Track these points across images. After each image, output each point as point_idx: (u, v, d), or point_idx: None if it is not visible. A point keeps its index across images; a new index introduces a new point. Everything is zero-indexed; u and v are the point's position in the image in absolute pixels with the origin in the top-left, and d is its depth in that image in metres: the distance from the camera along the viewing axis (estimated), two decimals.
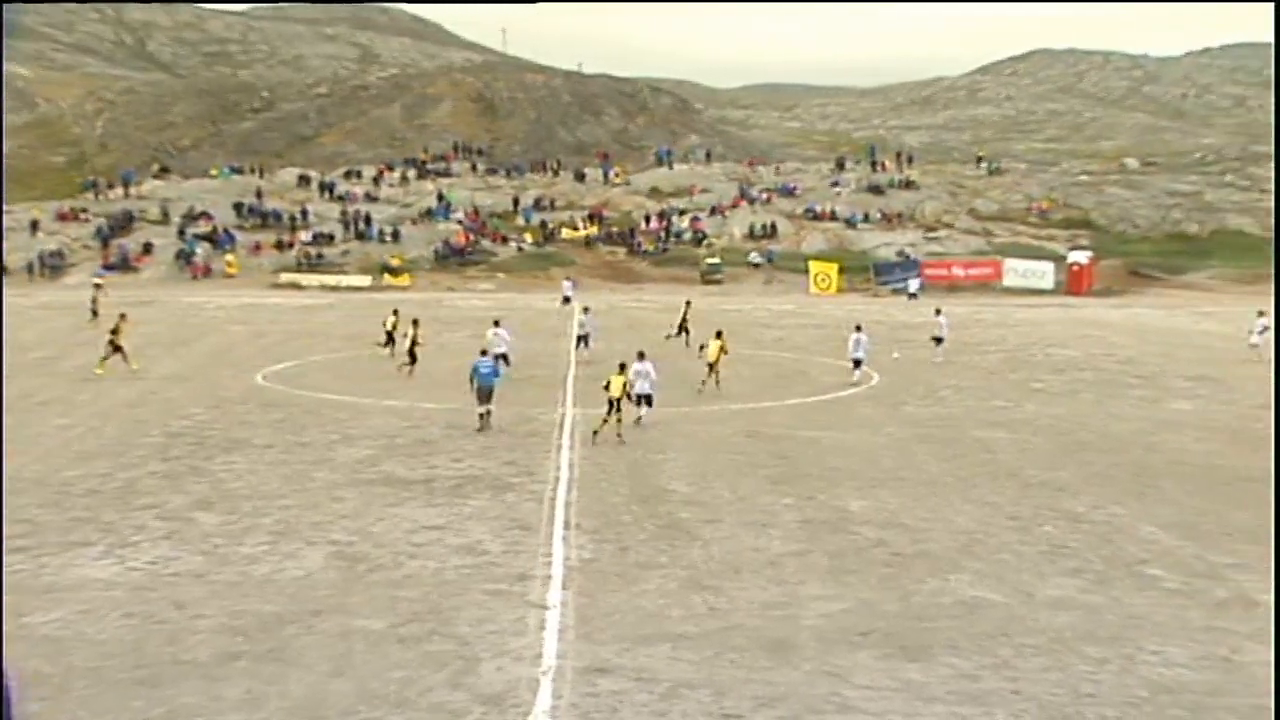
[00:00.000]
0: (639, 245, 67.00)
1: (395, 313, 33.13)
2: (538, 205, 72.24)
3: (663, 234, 68.75)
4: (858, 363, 28.94)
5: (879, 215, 72.28)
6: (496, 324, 29.42)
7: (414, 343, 29.00)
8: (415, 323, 29.68)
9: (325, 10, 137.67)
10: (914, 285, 57.80)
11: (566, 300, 50.37)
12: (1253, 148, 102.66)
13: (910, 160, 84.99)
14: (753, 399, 26.28)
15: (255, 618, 11.66)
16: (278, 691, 9.90)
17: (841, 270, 62.36)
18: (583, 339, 32.78)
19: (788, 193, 75.91)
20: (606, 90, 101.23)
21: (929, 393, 27.35)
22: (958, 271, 62.52)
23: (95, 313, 39.27)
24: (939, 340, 32.76)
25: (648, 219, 70.51)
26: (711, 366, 27.17)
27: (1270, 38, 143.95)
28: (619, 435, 20.66)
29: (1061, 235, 71.45)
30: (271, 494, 16.76)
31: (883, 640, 11.17)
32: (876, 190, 76.01)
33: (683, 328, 35.14)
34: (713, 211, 72.10)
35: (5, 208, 64.27)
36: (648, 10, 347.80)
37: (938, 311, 34.09)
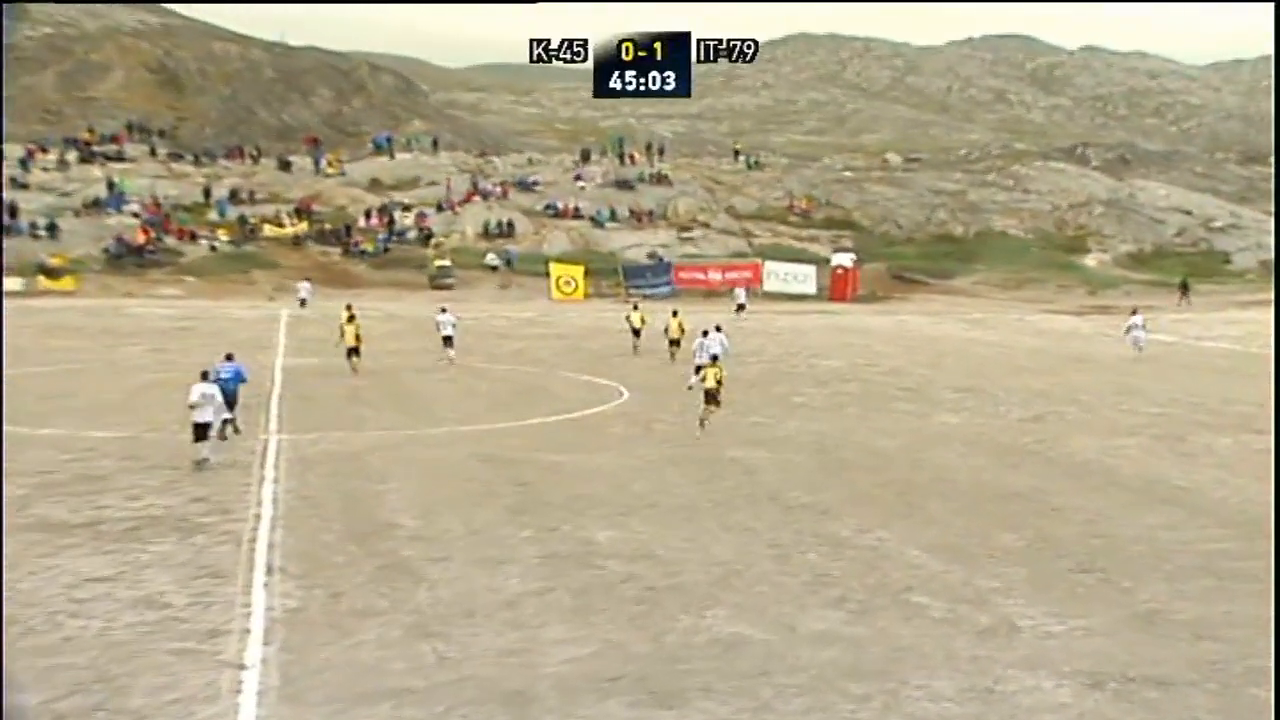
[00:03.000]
0: (356, 245, 65.79)
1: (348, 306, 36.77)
2: (234, 197, 69.71)
3: (384, 232, 67.75)
4: (699, 369, 30.36)
5: (628, 213, 73.71)
6: None
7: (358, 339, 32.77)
8: (351, 318, 33.51)
9: None
10: (741, 295, 55.78)
11: (303, 303, 49.82)
12: (1015, 145, 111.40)
13: (662, 152, 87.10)
14: (488, 419, 26.22)
15: None
16: None
17: (587, 273, 63.26)
18: (447, 339, 35.36)
19: (526, 187, 76.34)
20: (316, 66, 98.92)
21: (685, 409, 27.95)
22: (714, 275, 64.58)
23: None
24: (714, 358, 31.72)
25: (367, 215, 69.33)
26: (675, 343, 35.28)
27: (1027, 30, 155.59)
28: (702, 424, 24.39)
29: (824, 236, 75.09)
30: None
31: (633, 686, 11.34)
32: (625, 185, 77.49)
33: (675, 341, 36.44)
34: (441, 207, 71.66)
35: None
36: None
37: (718, 328, 33.90)
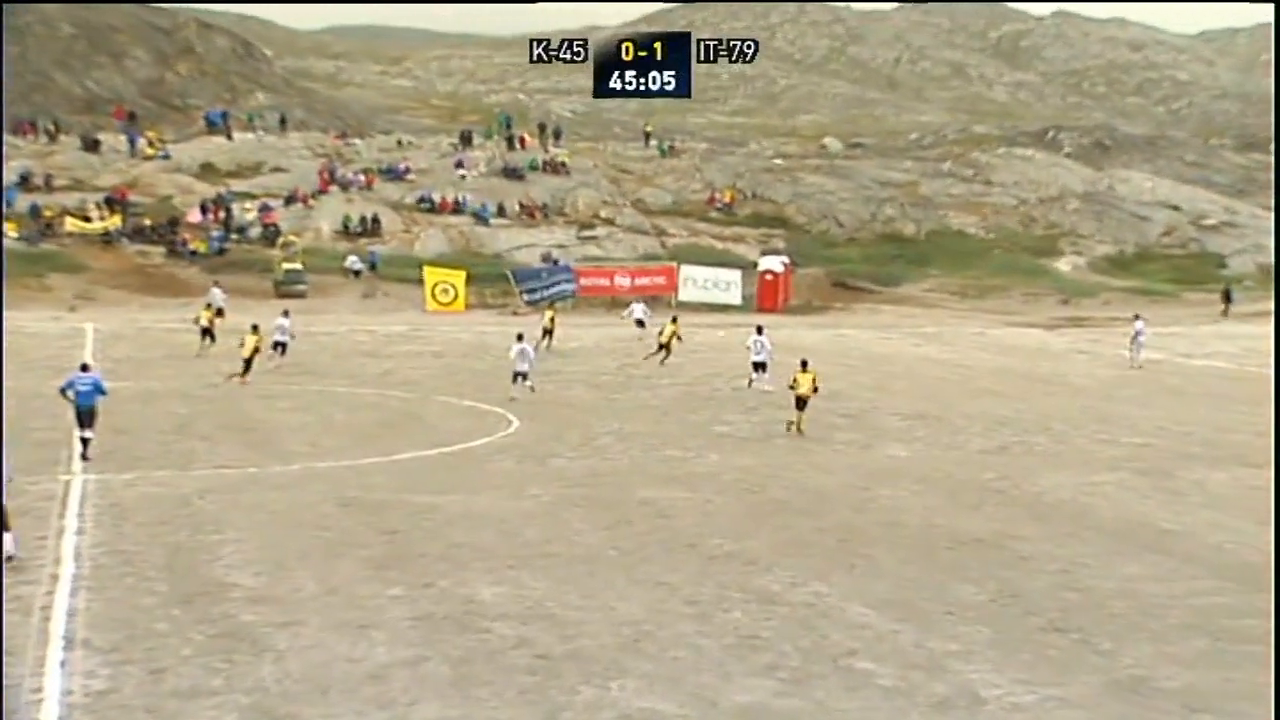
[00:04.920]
0: (184, 244, 64.85)
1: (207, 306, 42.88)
2: (25, 184, 68.37)
3: (219, 229, 66.91)
4: (761, 366, 35.89)
5: (518, 207, 73.66)
6: None
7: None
8: (255, 329, 35.98)
9: None
10: (639, 309, 53.43)
11: (220, 314, 49.43)
12: (975, 128, 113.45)
13: (558, 135, 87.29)
14: (349, 454, 26.02)
15: None
16: None
17: (469, 280, 63.05)
18: (280, 345, 38.23)
19: (395, 175, 75.96)
20: (131, 22, 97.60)
21: (585, 441, 28.09)
22: (621, 281, 64.71)
23: None
24: (761, 366, 36.10)
25: (204, 209, 68.38)
26: (665, 347, 41.58)
27: None
28: (800, 430, 28.98)
29: (751, 235, 75.74)
30: None
31: None
32: (514, 174, 77.48)
33: (665, 345, 42.01)
34: (290, 200, 70.98)
35: None
36: None
37: (759, 329, 37.77)
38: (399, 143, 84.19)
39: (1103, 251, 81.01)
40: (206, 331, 41.29)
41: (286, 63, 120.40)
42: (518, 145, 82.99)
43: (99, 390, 24.72)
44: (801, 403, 29.23)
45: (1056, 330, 59.24)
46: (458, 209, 72.81)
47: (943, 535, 20.30)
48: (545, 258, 68.26)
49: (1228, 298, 67.40)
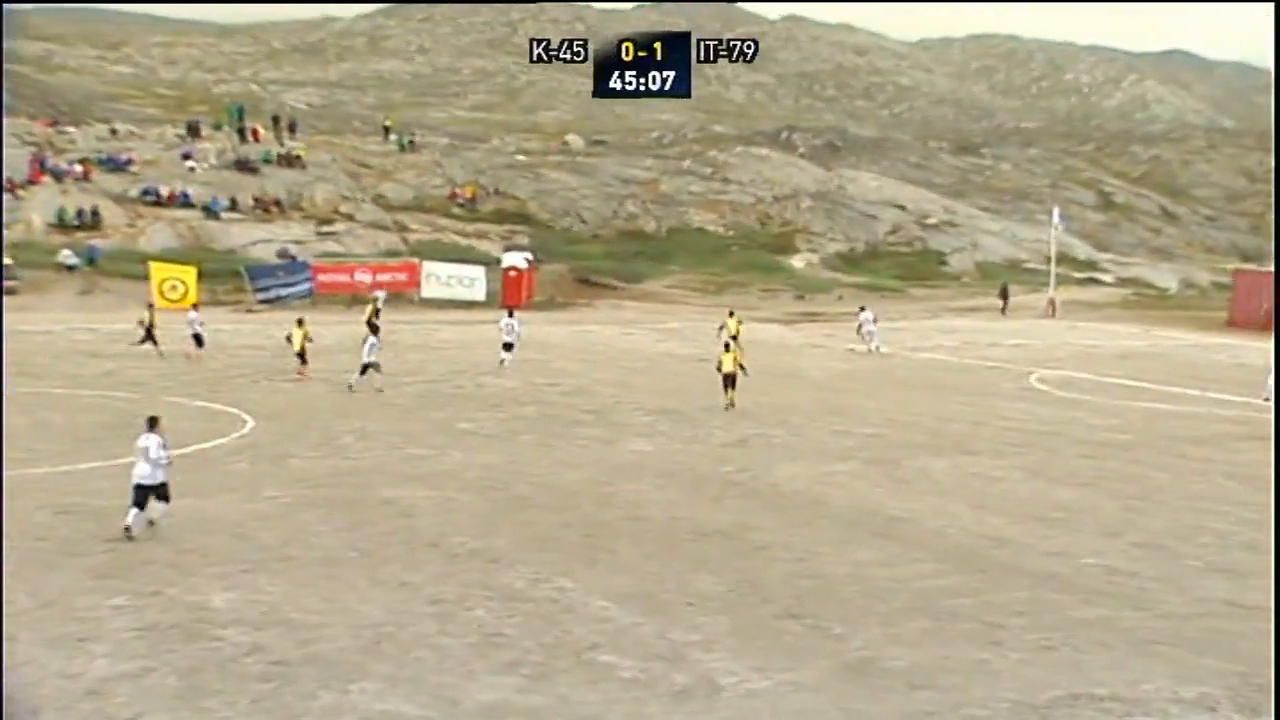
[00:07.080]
0: None
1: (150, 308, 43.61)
2: None
3: None
4: (508, 346, 39.76)
5: (251, 202, 72.04)
6: None
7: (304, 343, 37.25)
8: (300, 322, 38.31)
9: None
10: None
11: None
12: (713, 127, 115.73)
13: (293, 128, 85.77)
14: (67, 459, 25.06)
15: None
16: None
17: (200, 276, 61.30)
18: (197, 338, 40.80)
19: (117, 166, 73.34)
20: None
21: (325, 440, 27.67)
22: (362, 278, 63.87)
23: None
24: (509, 346, 39.97)
25: None
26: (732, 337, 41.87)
27: None
28: (732, 404, 32.28)
29: (494, 231, 75.73)
30: None
31: None
32: (247, 167, 75.71)
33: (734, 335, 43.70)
34: None
35: None
36: None
37: (510, 313, 41.59)
38: (113, 131, 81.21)
39: (835, 248, 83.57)
40: (149, 333, 42.05)
41: None
42: (250, 137, 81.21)
43: None
44: (729, 381, 32.46)
45: (793, 325, 60.80)
46: (186, 202, 70.71)
47: (684, 528, 20.67)
48: (282, 254, 66.95)
49: (1005, 295, 69.59)
